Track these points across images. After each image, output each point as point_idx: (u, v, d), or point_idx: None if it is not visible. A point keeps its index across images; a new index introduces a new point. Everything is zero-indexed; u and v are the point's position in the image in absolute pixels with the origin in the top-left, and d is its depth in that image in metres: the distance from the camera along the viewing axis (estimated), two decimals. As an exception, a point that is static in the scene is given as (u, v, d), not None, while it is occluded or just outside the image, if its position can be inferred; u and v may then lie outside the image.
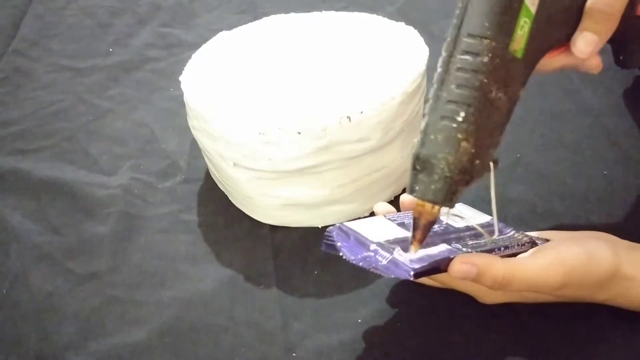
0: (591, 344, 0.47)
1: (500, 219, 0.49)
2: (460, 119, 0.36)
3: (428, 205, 0.38)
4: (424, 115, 0.38)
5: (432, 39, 0.83)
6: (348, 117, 0.51)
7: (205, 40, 0.64)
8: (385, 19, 0.64)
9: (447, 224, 0.47)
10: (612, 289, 0.43)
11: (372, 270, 0.40)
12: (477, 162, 0.37)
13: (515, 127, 0.68)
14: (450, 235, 0.45)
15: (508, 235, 0.47)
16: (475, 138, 0.36)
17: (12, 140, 0.73)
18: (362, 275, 0.53)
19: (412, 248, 0.40)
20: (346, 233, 0.43)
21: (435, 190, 0.37)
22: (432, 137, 0.37)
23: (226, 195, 0.62)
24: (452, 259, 0.41)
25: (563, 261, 0.41)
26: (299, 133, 0.51)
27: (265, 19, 0.67)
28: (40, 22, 0.96)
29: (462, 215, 0.49)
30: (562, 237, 0.47)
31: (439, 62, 0.38)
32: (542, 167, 0.62)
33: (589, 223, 0.55)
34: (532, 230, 0.50)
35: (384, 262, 0.40)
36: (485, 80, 0.36)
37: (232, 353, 0.49)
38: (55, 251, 0.58)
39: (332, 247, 0.43)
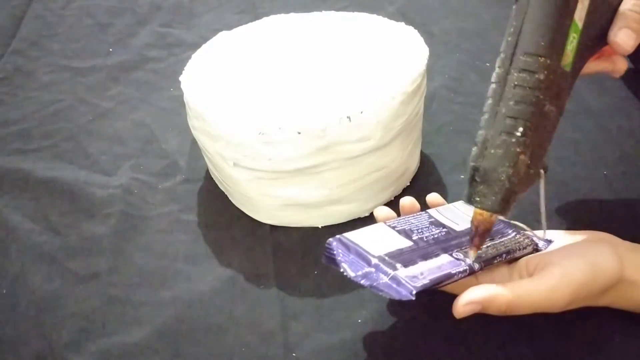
0: (591, 344, 0.47)
1: (501, 221, 0.49)
2: (518, 133, 0.39)
3: (487, 215, 0.41)
4: (480, 128, 0.40)
5: (432, 39, 0.84)
6: (348, 117, 0.51)
7: (205, 40, 0.64)
8: (385, 19, 0.64)
9: (448, 227, 0.47)
10: (615, 293, 0.43)
11: (372, 290, 0.40)
12: (532, 171, 0.40)
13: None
14: (452, 242, 0.45)
15: (510, 237, 0.47)
16: (531, 150, 0.39)
17: (12, 140, 0.73)
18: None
19: (471, 254, 0.43)
20: (346, 246, 0.43)
21: (495, 201, 0.40)
22: (492, 151, 0.39)
23: (226, 195, 0.62)
24: (454, 274, 0.41)
25: (569, 281, 0.40)
26: (299, 133, 0.51)
27: (265, 19, 0.67)
28: (40, 22, 0.96)
29: (464, 215, 0.49)
30: (564, 240, 0.47)
31: (492, 77, 0.40)
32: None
33: (589, 223, 0.55)
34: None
35: (386, 279, 0.40)
36: (541, 96, 0.38)
37: (232, 353, 0.49)
38: (55, 251, 0.58)
39: (333, 260, 0.43)
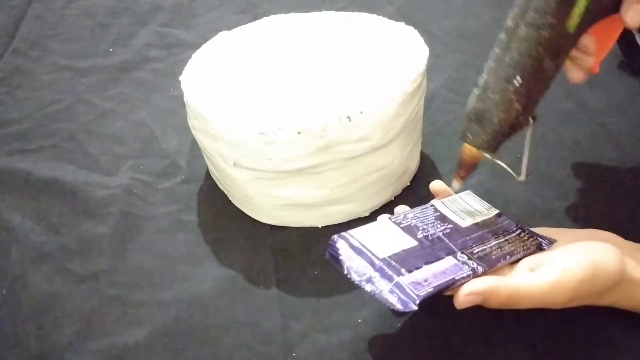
0: (591, 344, 0.47)
1: (506, 216, 0.49)
2: (516, 82, 0.42)
3: (475, 151, 0.45)
4: (483, 73, 0.44)
5: (432, 39, 0.84)
6: (348, 117, 0.51)
7: (205, 40, 0.64)
8: (385, 19, 0.64)
9: (454, 223, 0.47)
10: (617, 293, 0.43)
11: (375, 297, 0.40)
12: (522, 118, 0.44)
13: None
14: (456, 241, 0.45)
15: (514, 235, 0.47)
16: (525, 99, 0.43)
17: (12, 140, 0.73)
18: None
19: (455, 183, 0.48)
20: (351, 245, 0.43)
21: (485, 140, 0.44)
22: (490, 95, 0.43)
23: (226, 195, 0.62)
24: (458, 280, 0.41)
25: (570, 277, 0.40)
26: (299, 133, 0.51)
27: (265, 19, 0.67)
28: (40, 22, 0.96)
29: (470, 208, 0.49)
30: (567, 238, 0.47)
31: (503, 28, 0.43)
32: (542, 167, 0.62)
33: (589, 223, 0.55)
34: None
35: (389, 286, 0.40)
36: (542, 52, 0.42)
37: (232, 353, 0.49)
38: (55, 251, 0.58)
39: (336, 259, 0.43)
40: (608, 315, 0.47)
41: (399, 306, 0.39)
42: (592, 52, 0.46)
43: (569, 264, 0.41)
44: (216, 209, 0.62)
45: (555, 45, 0.42)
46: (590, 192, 0.59)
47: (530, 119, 0.45)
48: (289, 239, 0.58)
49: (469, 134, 0.45)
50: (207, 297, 0.53)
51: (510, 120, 0.43)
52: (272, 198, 0.56)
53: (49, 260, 0.57)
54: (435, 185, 0.51)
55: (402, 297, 0.39)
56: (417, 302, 0.38)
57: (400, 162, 0.58)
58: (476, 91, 0.44)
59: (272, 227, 0.59)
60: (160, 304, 0.53)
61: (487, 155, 0.46)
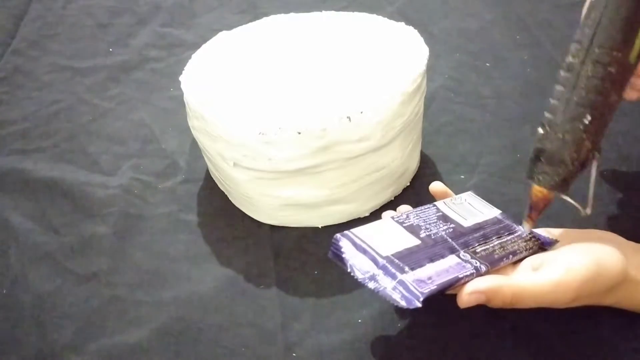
0: (592, 345, 0.47)
1: (508, 216, 0.49)
2: (586, 121, 0.42)
3: (546, 192, 0.44)
4: (547, 111, 0.44)
5: (432, 39, 0.84)
6: (348, 117, 0.51)
7: (205, 40, 0.64)
8: (385, 19, 0.64)
9: (456, 223, 0.47)
10: (619, 293, 0.43)
11: (379, 294, 0.40)
12: (591, 155, 0.44)
13: (515, 127, 0.68)
14: (459, 240, 0.45)
15: (517, 234, 0.47)
16: (594, 136, 0.43)
17: (12, 140, 0.73)
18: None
19: (526, 226, 0.47)
20: (354, 243, 0.43)
21: (557, 181, 0.44)
22: (560, 135, 0.43)
23: (226, 195, 0.62)
24: (461, 278, 0.41)
25: (574, 277, 0.40)
26: (299, 133, 0.51)
27: (265, 19, 0.67)
28: (40, 22, 0.96)
29: (472, 209, 0.49)
30: (569, 238, 0.47)
31: (565, 65, 0.43)
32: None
33: (589, 223, 0.54)
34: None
35: (393, 283, 0.40)
36: (609, 87, 0.42)
37: (232, 353, 0.49)
38: (55, 251, 0.58)
39: (339, 257, 0.43)
40: (609, 315, 0.47)
41: (403, 303, 0.39)
42: None
43: (572, 263, 0.41)
44: (216, 209, 0.62)
45: (621, 78, 0.42)
46: (590, 192, 0.59)
47: (596, 152, 0.44)
48: (289, 239, 0.58)
49: (539, 177, 0.44)
50: (207, 297, 0.53)
51: (582, 158, 0.43)
52: (272, 198, 0.56)
53: (49, 260, 0.57)
54: (435, 186, 0.51)
55: (406, 294, 0.39)
56: (421, 299, 0.38)
57: (400, 162, 0.58)
58: (541, 130, 0.44)
59: (272, 227, 0.59)
60: (160, 304, 0.53)
61: (559, 194, 0.45)
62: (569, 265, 0.41)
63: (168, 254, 0.57)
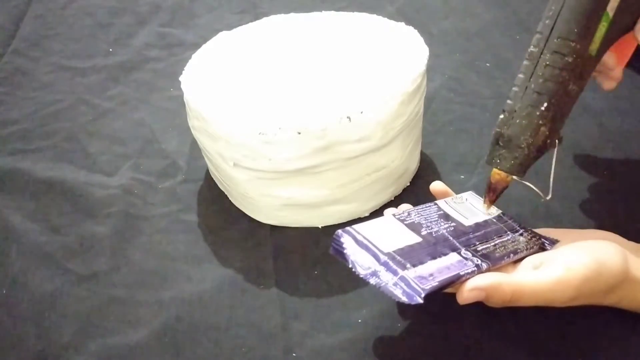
0: (592, 345, 0.47)
1: (509, 216, 0.49)
2: (543, 108, 0.44)
3: (504, 175, 0.46)
4: (508, 98, 0.45)
5: (432, 39, 0.84)
6: (348, 117, 0.51)
7: (205, 40, 0.64)
8: (385, 19, 0.64)
9: (457, 222, 0.47)
10: (619, 293, 0.43)
11: (380, 290, 0.40)
12: (549, 141, 0.45)
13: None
14: (461, 238, 0.45)
15: (517, 234, 0.47)
16: (551, 123, 0.44)
17: (12, 140, 0.73)
18: (362, 275, 0.53)
19: (485, 206, 0.49)
20: (355, 239, 0.43)
21: (514, 164, 0.45)
22: (517, 120, 0.45)
23: (226, 195, 0.62)
24: (462, 275, 0.41)
25: (574, 275, 0.40)
26: (299, 133, 0.51)
27: (265, 19, 0.67)
28: (40, 22, 0.96)
29: (473, 208, 0.49)
30: (570, 238, 0.47)
31: (526, 55, 0.44)
32: (542, 167, 0.62)
33: (589, 223, 0.55)
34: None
35: (395, 279, 0.40)
36: (567, 76, 0.43)
37: (232, 353, 0.49)
38: (55, 251, 0.58)
39: (341, 253, 0.43)
40: (609, 315, 0.47)
41: (404, 299, 0.39)
42: (614, 67, 0.48)
43: (573, 262, 0.41)
44: (216, 209, 0.62)
45: (579, 69, 0.44)
46: (591, 192, 0.59)
47: (556, 140, 0.46)
48: (289, 239, 0.58)
49: (497, 159, 0.46)
50: (207, 297, 0.53)
51: (538, 143, 0.45)
52: (272, 198, 0.56)
53: (49, 260, 0.57)
54: (436, 186, 0.51)
55: (408, 290, 0.39)
56: (423, 295, 0.38)
57: (400, 162, 0.58)
58: (502, 116, 0.46)
59: (272, 227, 0.59)
60: (160, 304, 0.53)
61: (516, 178, 0.47)
62: (569, 264, 0.41)
63: (168, 254, 0.57)
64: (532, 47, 0.44)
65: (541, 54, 0.43)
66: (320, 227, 0.58)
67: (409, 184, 0.62)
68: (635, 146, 0.64)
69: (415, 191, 0.61)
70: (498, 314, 0.48)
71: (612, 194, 0.59)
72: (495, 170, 0.47)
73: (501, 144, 0.46)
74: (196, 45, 0.64)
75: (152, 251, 0.58)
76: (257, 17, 0.69)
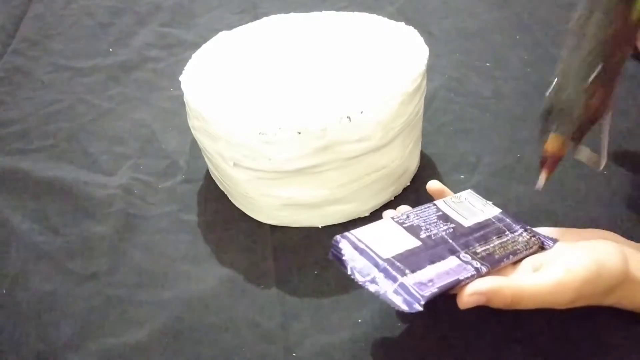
0: (593, 346, 0.47)
1: (508, 215, 0.49)
2: (594, 75, 0.44)
3: (562, 140, 0.46)
4: (559, 66, 0.45)
5: (432, 39, 0.84)
6: (348, 117, 0.51)
7: (205, 40, 0.64)
8: (385, 19, 0.64)
9: (456, 223, 0.47)
10: (620, 293, 0.43)
11: (380, 297, 0.40)
12: (602, 108, 0.45)
13: (515, 127, 0.68)
14: (459, 241, 0.45)
15: (517, 233, 0.47)
16: (603, 90, 0.45)
17: (12, 140, 0.73)
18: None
19: (542, 178, 0.48)
20: (354, 245, 0.43)
21: (572, 129, 0.45)
22: (569, 90, 0.45)
23: (226, 195, 0.62)
24: (462, 280, 0.41)
25: (574, 277, 0.40)
26: (299, 133, 0.51)
27: (265, 19, 0.67)
28: (40, 22, 0.96)
29: (472, 207, 0.49)
30: (569, 238, 0.47)
31: (574, 20, 0.44)
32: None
33: (589, 223, 0.55)
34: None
35: (394, 286, 0.40)
36: (615, 43, 0.44)
37: (232, 353, 0.49)
38: (55, 251, 0.58)
39: (339, 260, 0.43)
40: (609, 316, 0.47)
41: (404, 307, 0.39)
42: None
43: (572, 264, 0.41)
44: (216, 209, 0.62)
45: (625, 37, 0.44)
46: (591, 192, 0.59)
47: (610, 104, 0.46)
48: (289, 239, 0.58)
49: (554, 125, 0.46)
50: (207, 297, 0.53)
51: (591, 111, 0.45)
52: (272, 198, 0.56)
53: (49, 260, 0.57)
54: (432, 185, 0.51)
55: (407, 297, 0.39)
56: (422, 302, 0.38)
57: (400, 162, 0.58)
58: (554, 85, 0.46)
59: (272, 227, 0.59)
60: (160, 304, 0.53)
61: (573, 146, 0.47)
62: (568, 266, 0.41)
63: (168, 254, 0.57)
64: (578, 15, 0.44)
65: (588, 18, 0.43)
66: (320, 227, 0.58)
67: (409, 184, 0.62)
68: (635, 146, 0.64)
69: (415, 191, 0.61)
70: (498, 314, 0.48)
71: (612, 194, 0.59)
72: (553, 136, 0.46)
73: (557, 109, 0.45)
74: (196, 45, 0.64)
75: (152, 251, 0.58)
76: (257, 17, 0.70)
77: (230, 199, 0.62)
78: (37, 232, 0.60)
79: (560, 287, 0.40)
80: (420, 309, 0.38)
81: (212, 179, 0.64)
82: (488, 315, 0.48)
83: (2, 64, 0.86)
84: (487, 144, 0.67)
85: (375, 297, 0.51)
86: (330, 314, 0.51)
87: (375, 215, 0.58)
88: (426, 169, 0.64)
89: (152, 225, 0.60)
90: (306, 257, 0.56)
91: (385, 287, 0.40)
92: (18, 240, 0.60)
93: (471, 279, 0.41)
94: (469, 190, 0.51)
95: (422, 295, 0.39)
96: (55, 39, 0.92)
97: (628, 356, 0.46)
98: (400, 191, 0.61)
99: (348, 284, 0.53)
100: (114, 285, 0.55)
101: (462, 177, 0.63)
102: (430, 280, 0.40)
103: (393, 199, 0.60)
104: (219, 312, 0.52)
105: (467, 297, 0.40)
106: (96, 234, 0.60)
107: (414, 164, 0.62)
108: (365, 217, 0.59)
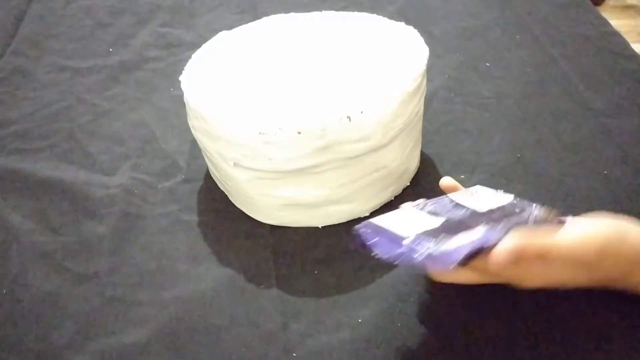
0: (591, 343, 0.47)
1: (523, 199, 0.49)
2: None
3: None
4: None
5: (432, 39, 0.84)
6: (348, 117, 0.51)
7: (205, 40, 0.64)
8: (385, 19, 0.64)
9: (472, 209, 0.47)
10: None
11: (409, 264, 0.40)
12: None
13: (515, 127, 0.68)
14: (481, 218, 0.45)
15: (534, 209, 0.47)
16: None
17: (12, 140, 0.73)
18: (362, 275, 0.54)
19: None
20: (376, 230, 0.43)
21: None
22: None
23: (226, 195, 0.62)
24: (490, 242, 0.41)
25: (597, 232, 0.42)
26: (299, 133, 0.51)
27: (265, 19, 0.67)
28: (40, 22, 0.96)
29: (485, 196, 0.49)
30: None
31: None
32: (542, 167, 0.62)
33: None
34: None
35: (428, 251, 0.40)
36: None
37: (232, 353, 0.49)
38: (55, 251, 0.58)
39: (363, 245, 0.43)
40: (608, 313, 0.47)
41: (439, 266, 0.39)
42: None
43: (595, 224, 0.43)
44: (216, 209, 0.62)
45: None
46: (590, 192, 0.59)
47: None
48: (289, 239, 0.58)
49: None
50: (207, 297, 0.53)
51: None
52: (272, 198, 0.56)
53: (49, 260, 0.57)
54: (445, 181, 0.51)
55: (441, 257, 0.40)
56: (457, 260, 0.39)
57: (400, 162, 0.58)
58: None
59: (272, 227, 0.59)
60: (160, 304, 0.53)
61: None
62: (592, 223, 0.43)
63: (168, 254, 0.57)
64: None
65: None
66: (320, 227, 0.58)
67: (409, 183, 0.62)
68: (635, 146, 0.64)
69: (415, 191, 0.61)
70: (499, 312, 0.48)
71: (612, 194, 0.59)
72: None
73: None
74: (196, 45, 0.64)
75: (152, 251, 0.58)
76: (257, 17, 0.69)
77: (230, 199, 0.62)
78: (37, 232, 0.60)
79: (584, 240, 0.42)
80: (456, 265, 0.39)
81: (212, 179, 0.64)
82: (489, 315, 0.48)
83: (2, 64, 0.86)
84: (487, 144, 0.67)
85: (375, 297, 0.51)
86: (330, 314, 0.51)
87: (375, 215, 0.58)
88: (426, 168, 0.64)
89: (152, 225, 0.60)
90: (306, 257, 0.56)
91: (416, 253, 0.40)
92: (18, 240, 0.60)
93: (498, 241, 0.41)
94: (478, 185, 0.52)
95: (457, 255, 0.39)
96: (55, 39, 0.92)
97: (627, 355, 0.46)
98: (400, 191, 0.61)
99: (348, 284, 0.53)
100: (114, 285, 0.55)
101: (462, 176, 0.63)
102: (460, 245, 0.41)
103: (393, 198, 0.60)
104: (219, 312, 0.52)
105: (499, 254, 0.40)
106: (96, 234, 0.60)
107: (414, 164, 0.62)
108: (365, 217, 0.59)
